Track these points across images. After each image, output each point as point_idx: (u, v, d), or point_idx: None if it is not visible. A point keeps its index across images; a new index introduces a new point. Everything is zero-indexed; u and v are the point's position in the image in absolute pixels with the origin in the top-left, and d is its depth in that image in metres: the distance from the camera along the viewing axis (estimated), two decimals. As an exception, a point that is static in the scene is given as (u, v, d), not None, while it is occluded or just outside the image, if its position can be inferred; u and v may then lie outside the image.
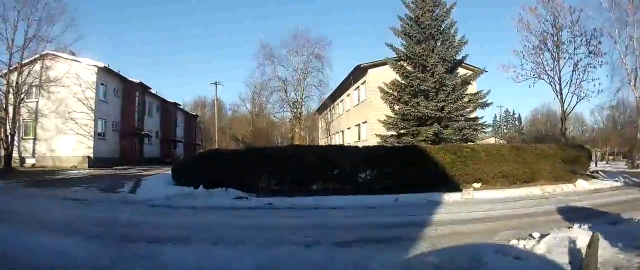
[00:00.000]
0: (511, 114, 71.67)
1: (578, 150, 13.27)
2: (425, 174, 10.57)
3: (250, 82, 46.10)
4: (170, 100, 39.39)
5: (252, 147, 26.34)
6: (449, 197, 9.17)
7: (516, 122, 71.81)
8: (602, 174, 14.58)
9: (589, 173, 13.54)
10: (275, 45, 46.48)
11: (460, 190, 10.42)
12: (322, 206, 8.14)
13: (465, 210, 7.45)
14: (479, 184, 11.09)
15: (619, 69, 20.24)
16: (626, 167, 21.12)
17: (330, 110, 35.90)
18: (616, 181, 12.31)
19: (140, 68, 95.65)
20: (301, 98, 36.75)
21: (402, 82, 15.67)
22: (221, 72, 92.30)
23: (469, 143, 13.70)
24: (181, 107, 45.44)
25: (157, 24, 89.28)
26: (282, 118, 44.30)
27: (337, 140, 32.99)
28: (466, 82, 15.23)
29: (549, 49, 18.30)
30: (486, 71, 15.60)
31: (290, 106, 37.89)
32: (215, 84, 42.29)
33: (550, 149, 12.00)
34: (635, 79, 19.66)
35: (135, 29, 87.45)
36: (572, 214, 6.60)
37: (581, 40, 17.59)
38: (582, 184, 11.21)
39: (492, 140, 32.23)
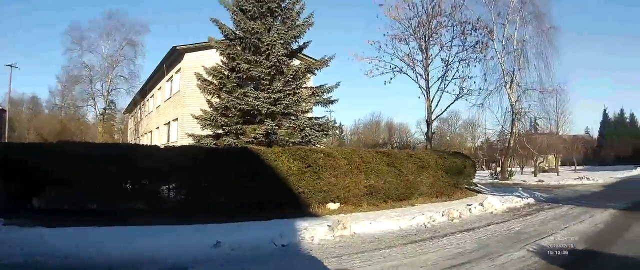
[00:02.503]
0: (332, 121, 75.24)
1: (462, 159, 11.47)
2: (262, 190, 6.99)
3: (61, 73, 36.22)
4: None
5: (7, 143, 18.00)
6: (310, 232, 5.42)
7: (337, 132, 76.61)
8: (483, 187, 13.41)
9: (467, 186, 11.91)
10: (86, 27, 37.14)
11: (313, 215, 7.16)
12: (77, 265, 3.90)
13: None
14: (336, 205, 8.05)
15: (494, 69, 19.08)
16: (492, 178, 20.26)
17: (140, 108, 29.84)
18: (523, 198, 10.29)
19: None
20: (107, 91, 31.24)
21: (228, 66, 11.68)
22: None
23: (315, 147, 10.73)
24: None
25: None
26: (95, 117, 36.21)
27: (145, 142, 26.17)
28: (309, 70, 12.25)
29: (417, 39, 14.96)
30: (331, 60, 11.91)
31: (94, 100, 31.70)
32: (10, 66, 34.66)
33: (430, 157, 9.80)
34: (512, 81, 19.29)
35: None
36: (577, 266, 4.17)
37: (461, 29, 14.69)
38: (493, 203, 8.80)
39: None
